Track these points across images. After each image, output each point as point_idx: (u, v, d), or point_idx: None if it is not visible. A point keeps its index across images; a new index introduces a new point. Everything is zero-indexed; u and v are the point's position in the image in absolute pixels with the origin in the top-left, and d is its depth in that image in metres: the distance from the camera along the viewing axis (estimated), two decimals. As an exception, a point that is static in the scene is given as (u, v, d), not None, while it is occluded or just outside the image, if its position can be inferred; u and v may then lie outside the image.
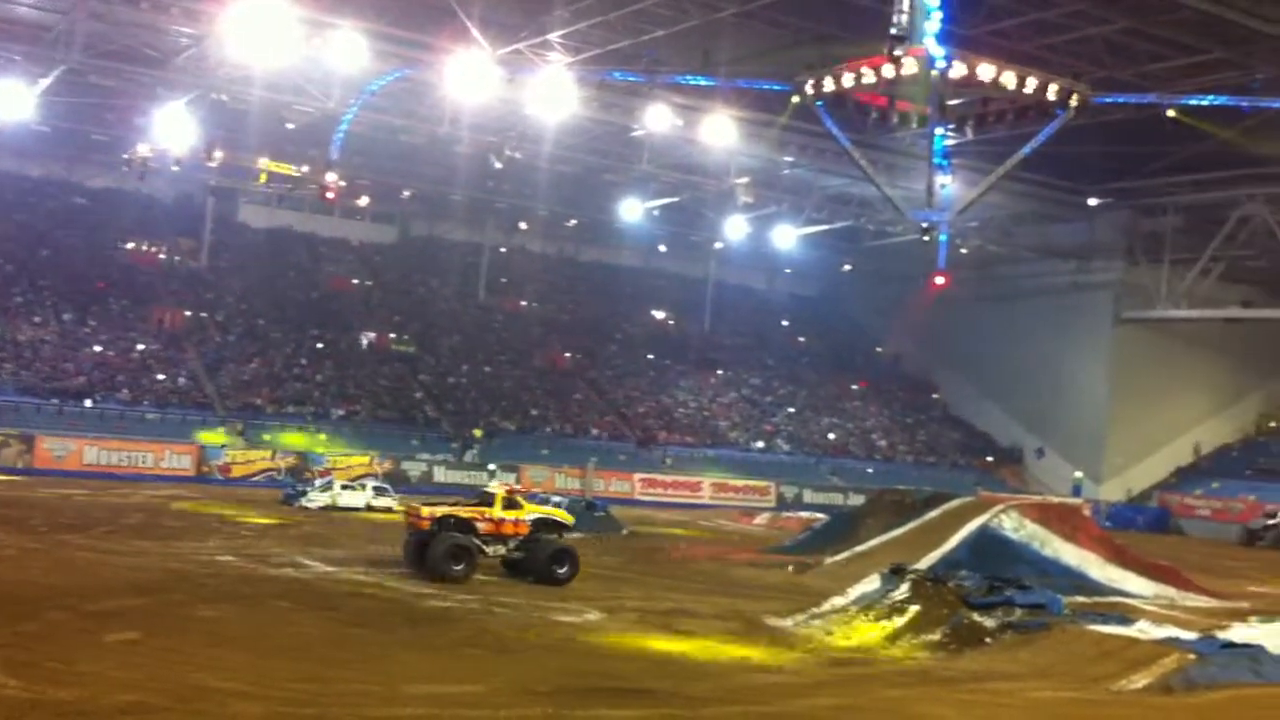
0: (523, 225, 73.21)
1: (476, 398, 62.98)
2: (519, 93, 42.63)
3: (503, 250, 76.07)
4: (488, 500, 29.21)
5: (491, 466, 56.77)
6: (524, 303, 74.19)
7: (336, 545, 33.62)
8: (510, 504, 29.10)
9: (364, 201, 66.50)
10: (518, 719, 16.40)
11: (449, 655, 20.26)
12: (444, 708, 16.58)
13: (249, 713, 15.40)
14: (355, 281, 70.20)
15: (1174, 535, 63.32)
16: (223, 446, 52.05)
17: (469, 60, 39.84)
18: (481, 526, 28.50)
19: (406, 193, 66.58)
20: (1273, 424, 72.95)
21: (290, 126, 51.78)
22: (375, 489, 45.33)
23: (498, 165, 53.23)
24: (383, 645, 20.66)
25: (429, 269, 73.63)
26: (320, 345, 62.56)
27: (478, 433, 58.78)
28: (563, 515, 30.66)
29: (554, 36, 41.86)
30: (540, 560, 28.58)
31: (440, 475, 55.39)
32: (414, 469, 54.92)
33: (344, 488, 44.78)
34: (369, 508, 43.76)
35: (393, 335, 65.92)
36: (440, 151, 56.99)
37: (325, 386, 59.57)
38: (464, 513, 28.63)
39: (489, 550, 28.59)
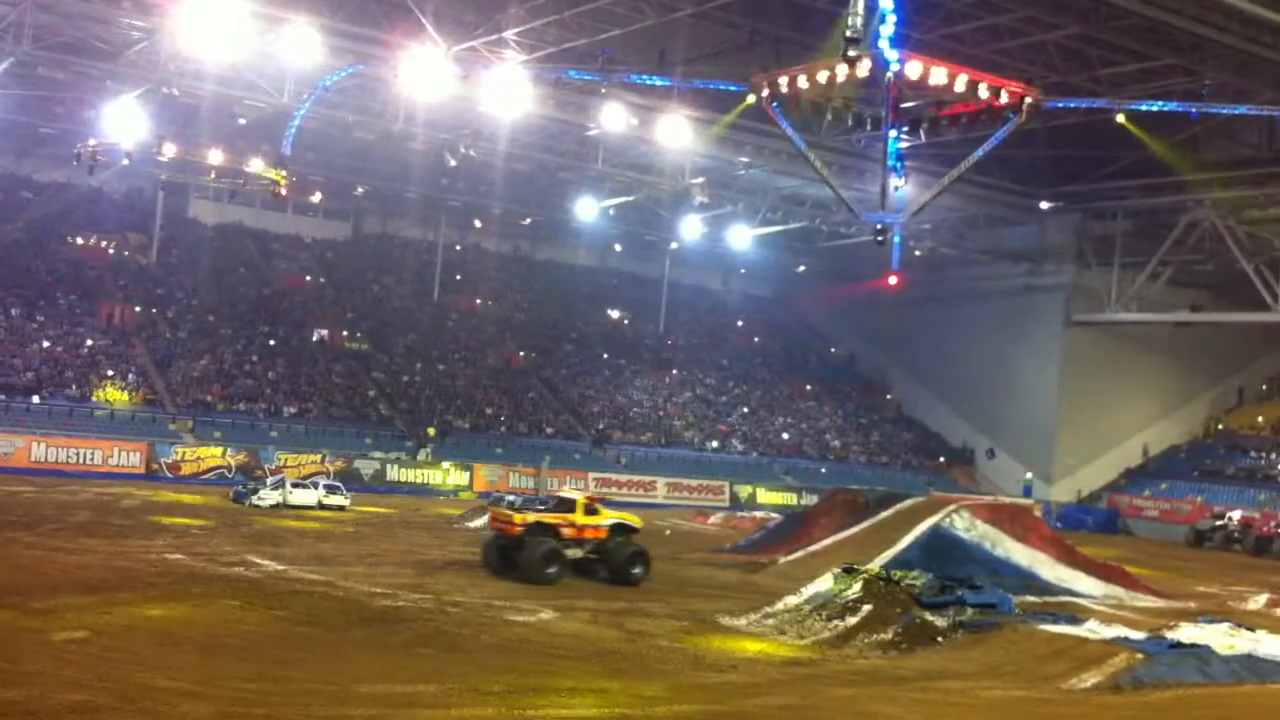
0: (477, 223, 72.93)
1: (430, 396, 62.68)
2: (474, 90, 42.41)
3: (457, 248, 75.75)
4: (568, 505, 30.91)
5: (445, 464, 56.62)
6: (478, 301, 73.88)
7: (287, 544, 33.38)
8: (590, 510, 30.92)
9: (317, 198, 66.07)
10: (470, 719, 16.35)
11: (401, 654, 20.17)
12: (396, 707, 16.50)
13: (197, 712, 15.25)
14: (307, 278, 69.65)
15: (1123, 536, 64.01)
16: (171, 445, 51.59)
17: (423, 57, 39.58)
18: (565, 531, 30.17)
19: (360, 189, 66.11)
20: (1220, 426, 73.87)
21: (242, 121, 51.25)
22: (327, 487, 45.09)
23: (452, 163, 53.02)
24: (333, 644, 20.54)
25: (382, 266, 73.20)
26: (272, 342, 62.05)
27: (431, 431, 58.52)
28: (634, 519, 32.08)
29: (509, 34, 41.70)
30: (619, 562, 30.51)
31: (394, 474, 55.11)
32: (367, 467, 54.57)
33: (295, 486, 44.48)
34: (321, 506, 43.51)
35: (345, 333, 65.50)
36: (394, 148, 56.67)
37: (277, 384, 59.09)
38: (551, 519, 30.18)
39: (568, 553, 30.07)
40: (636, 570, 30.49)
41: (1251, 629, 26.39)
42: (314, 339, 63.91)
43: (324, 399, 59.32)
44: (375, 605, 24.54)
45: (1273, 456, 68.15)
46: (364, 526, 39.69)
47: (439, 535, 38.96)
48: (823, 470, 67.48)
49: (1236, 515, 60.02)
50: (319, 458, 53.06)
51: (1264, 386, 76.34)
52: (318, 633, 21.42)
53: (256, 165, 49.79)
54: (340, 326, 65.68)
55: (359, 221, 74.54)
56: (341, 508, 43.76)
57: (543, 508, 31.11)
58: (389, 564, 31.01)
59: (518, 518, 29.96)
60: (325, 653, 19.81)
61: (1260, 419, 72.89)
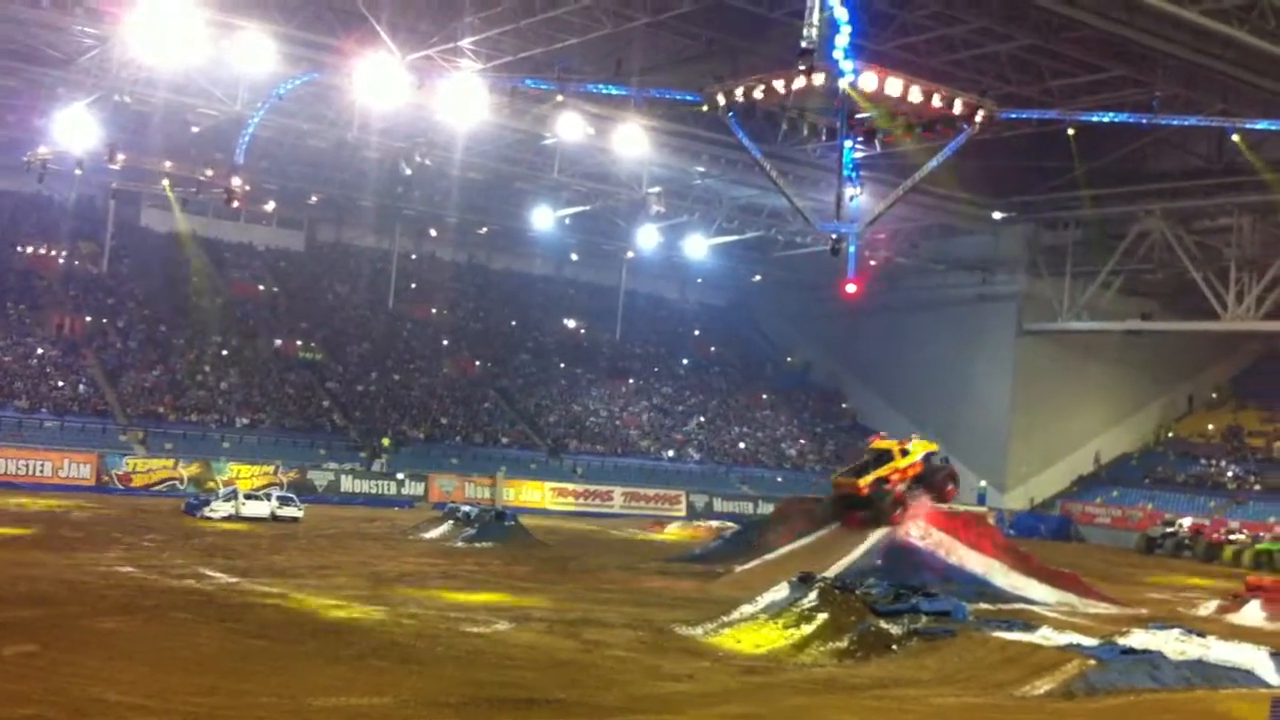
0: (433, 232, 72.70)
1: (385, 406, 62.36)
2: (429, 99, 42.28)
3: (412, 257, 75.46)
4: (886, 457, 36.71)
5: (400, 475, 56.33)
6: (434, 310, 73.58)
7: (239, 556, 33.08)
8: (903, 453, 36.84)
9: (270, 206, 65.60)
10: (425, 731, 16.25)
11: (354, 667, 20.00)
12: (350, 720, 16.39)
13: (148, 728, 15.08)
14: (261, 287, 69.17)
15: (1075, 543, 64.53)
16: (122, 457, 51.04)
17: (378, 65, 39.44)
18: (893, 478, 36.28)
19: (314, 198, 65.78)
20: (1170, 434, 74.66)
21: (195, 129, 50.92)
22: (280, 499, 44.69)
23: (407, 171, 52.86)
24: (286, 657, 20.34)
25: (337, 275, 72.79)
26: (224, 352, 61.52)
27: (386, 441, 58.20)
28: (933, 445, 38.84)
29: (465, 43, 41.64)
30: (936, 485, 37.52)
31: (347, 485, 54.78)
32: (320, 478, 54.21)
33: (248, 497, 44.09)
34: (274, 518, 43.11)
35: (299, 342, 65.06)
36: (349, 157, 56.45)
37: (229, 394, 58.61)
38: (884, 472, 36.21)
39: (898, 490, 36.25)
40: (950, 488, 38.00)
41: (1202, 635, 26.61)
42: (267, 349, 63.40)
43: (277, 409, 58.88)
44: (329, 617, 24.34)
45: (1222, 464, 68.96)
46: (318, 538, 39.37)
47: (393, 546, 38.73)
48: (779, 479, 67.68)
49: (1187, 522, 60.64)
50: (272, 469, 52.68)
51: (1214, 394, 77.24)
52: (271, 645, 21.21)
53: (210, 173, 49.48)
54: (294, 336, 65.24)
55: (313, 230, 74.08)
56: (295, 519, 43.39)
57: (868, 462, 36.84)
58: (343, 575, 30.79)
59: (862, 482, 35.97)
60: (278, 666, 19.60)
61: (1210, 427, 73.75)
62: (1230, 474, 67.75)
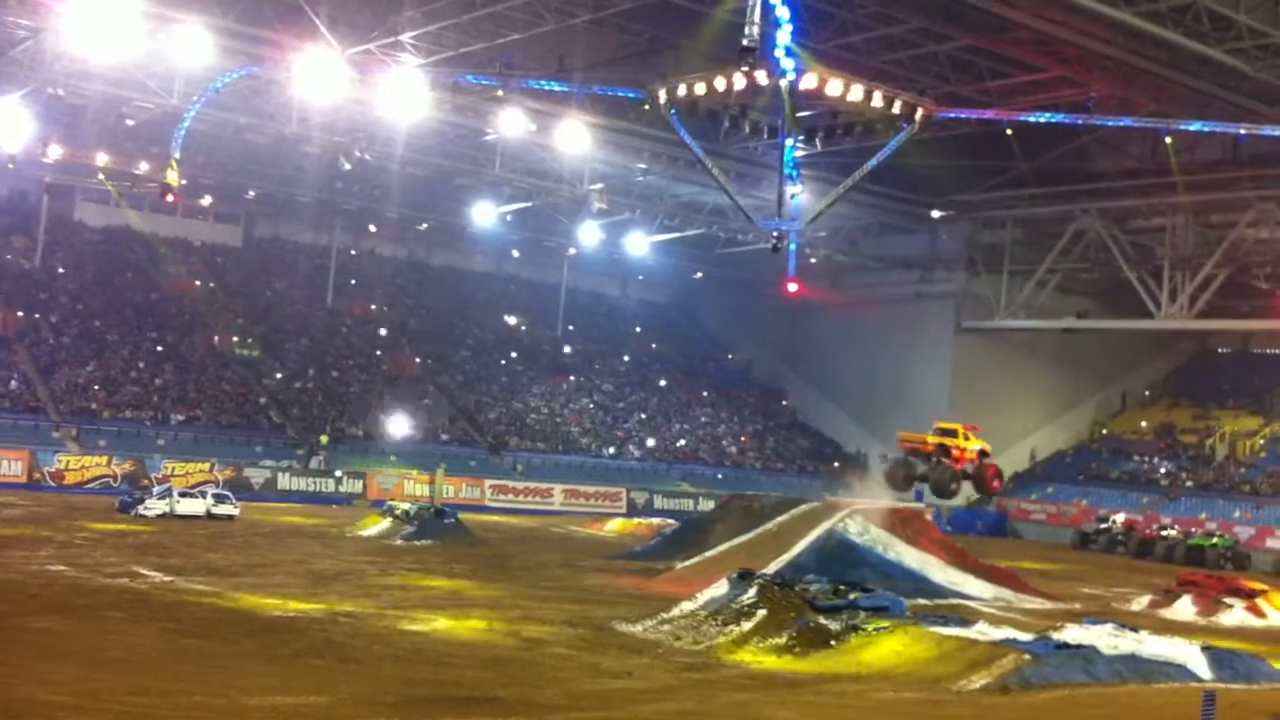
0: (372, 228, 72.15)
1: (323, 403, 61.84)
2: (369, 93, 41.98)
3: (352, 253, 74.86)
4: (952, 433, 39.00)
5: (338, 472, 55.91)
6: (373, 306, 73.03)
7: (174, 554, 32.68)
8: (966, 437, 39.05)
9: (207, 201, 64.88)
10: (362, 730, 16.13)
11: (291, 666, 19.82)
12: (286, 719, 16.21)
13: (80, 729, 14.86)
14: (197, 283, 68.27)
15: (1011, 539, 65.24)
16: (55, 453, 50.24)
17: (317, 59, 39.07)
18: (954, 453, 38.28)
19: (251, 193, 65.06)
20: (1105, 431, 75.69)
21: (131, 123, 50.20)
22: (216, 496, 44.16)
23: (347, 166, 52.45)
24: (222, 657, 20.12)
25: (274, 271, 72.08)
26: (159, 348, 60.73)
27: (324, 439, 57.72)
28: (986, 445, 40.37)
29: (405, 38, 41.38)
30: (982, 479, 40.30)
31: (285, 483, 54.24)
32: (257, 476, 53.65)
33: (183, 495, 43.53)
34: (209, 515, 42.57)
35: (236, 339, 64.32)
36: (287, 151, 55.89)
37: (164, 391, 57.86)
38: (949, 442, 38.32)
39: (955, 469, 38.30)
40: (995, 484, 41.60)
41: (1135, 630, 27.00)
42: (203, 345, 62.63)
43: (213, 406, 58.21)
44: (265, 616, 24.11)
45: (1155, 461, 70.01)
46: (254, 536, 38.98)
47: (331, 544, 38.42)
48: (719, 476, 67.86)
49: (1120, 518, 61.53)
50: (207, 466, 52.06)
51: (1147, 392, 78.44)
52: (205, 644, 20.97)
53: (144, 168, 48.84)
54: (230, 332, 64.49)
55: (250, 225, 73.28)
56: (231, 517, 42.90)
57: (942, 430, 39.50)
58: (279, 574, 30.51)
59: (930, 438, 38.55)
60: (213, 665, 19.39)
61: (1144, 424, 74.86)
62: (1163, 471, 68.81)
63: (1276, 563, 53.79)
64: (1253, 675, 24.92)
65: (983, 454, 39.76)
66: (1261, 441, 68.52)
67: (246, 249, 72.80)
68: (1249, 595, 36.51)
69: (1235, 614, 35.22)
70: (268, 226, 73.85)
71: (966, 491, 70.03)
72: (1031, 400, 72.82)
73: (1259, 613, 35.50)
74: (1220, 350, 78.28)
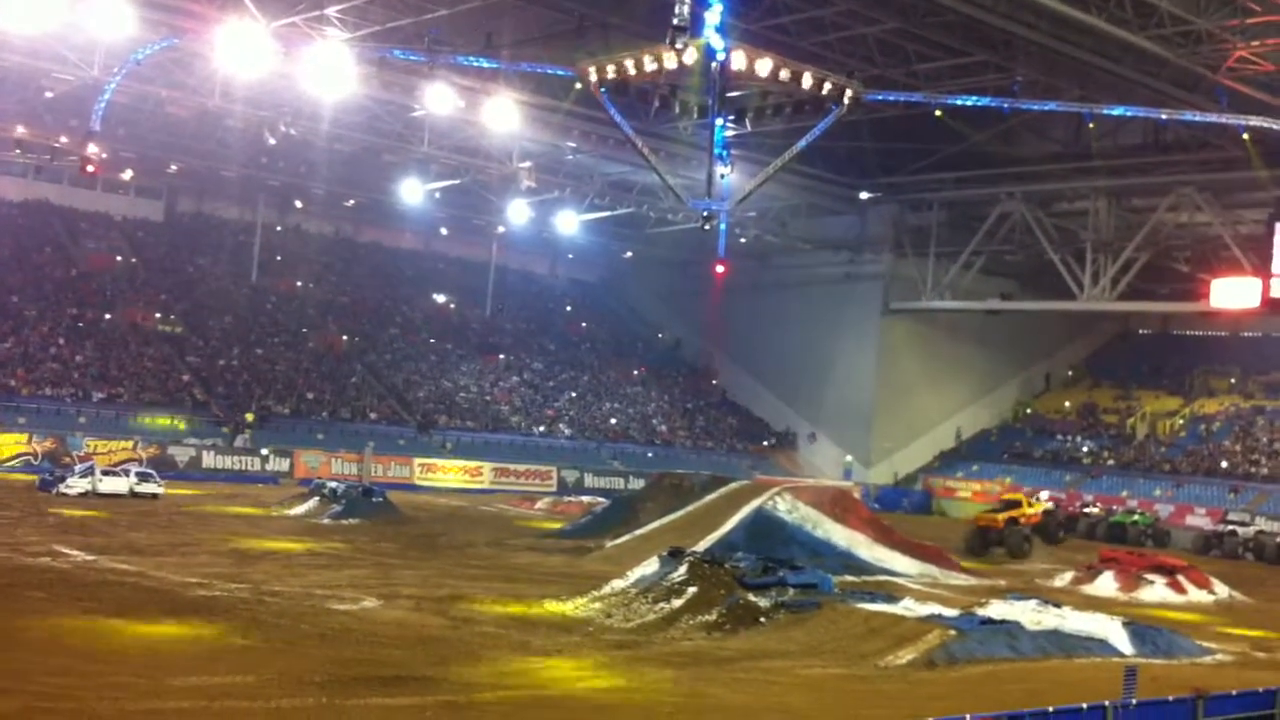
0: (298, 204, 71.22)
1: (248, 381, 61.07)
2: (295, 67, 41.30)
3: (277, 229, 73.85)
4: (1015, 504, 47.04)
5: (264, 451, 55.30)
6: (299, 284, 72.14)
7: (96, 533, 32.17)
8: (1028, 505, 46.91)
9: (128, 175, 63.70)
10: (289, 710, 16.00)
11: (216, 646, 19.60)
12: (212, 699, 16.07)
13: (3, 708, 14.60)
14: (118, 259, 67.01)
15: (937, 516, 66.02)
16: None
17: (241, 32, 38.37)
18: (1021, 520, 45.56)
19: (174, 167, 63.91)
20: (1028, 411, 76.79)
21: (49, 95, 49.07)
22: (139, 475, 43.46)
23: (271, 141, 51.63)
24: (145, 637, 19.84)
25: (198, 247, 70.95)
26: (80, 325, 59.62)
27: (249, 417, 57.03)
28: (1047, 505, 49.13)
29: (331, 11, 40.80)
30: (1049, 533, 47.69)
31: (209, 461, 53.57)
32: (182, 454, 52.90)
33: (105, 474, 42.81)
34: (132, 494, 41.94)
35: (158, 315, 63.28)
36: (211, 125, 54.93)
37: (85, 368, 56.82)
38: (1015, 514, 45.91)
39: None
40: (1060, 535, 48.91)
41: (1058, 605, 27.50)
42: (124, 321, 61.55)
43: (135, 384, 57.27)
44: (189, 595, 23.81)
45: (1077, 440, 71.19)
46: (178, 515, 38.44)
47: (257, 524, 38.01)
48: (649, 455, 67.98)
49: (1044, 496, 62.41)
50: (130, 444, 51.23)
51: (1069, 373, 79.71)
52: (129, 625, 20.67)
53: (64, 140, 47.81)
54: (152, 309, 63.44)
55: (172, 200, 72.08)
56: (154, 496, 42.29)
57: (1003, 505, 47.78)
58: (204, 553, 30.15)
59: (1000, 517, 45.62)
60: (137, 645, 19.13)
61: (1066, 404, 76.06)
62: (1085, 449, 69.99)
63: (1196, 539, 54.88)
64: (1172, 650, 25.51)
65: (1046, 512, 48.14)
66: (1181, 421, 69.92)
67: (168, 224, 71.63)
68: (1169, 572, 37.31)
69: (1156, 590, 35.98)
70: (190, 201, 72.69)
71: (894, 468, 71.78)
72: (957, 380, 73.70)
73: (1179, 589, 36.30)
74: (1141, 332, 79.75)
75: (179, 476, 49.36)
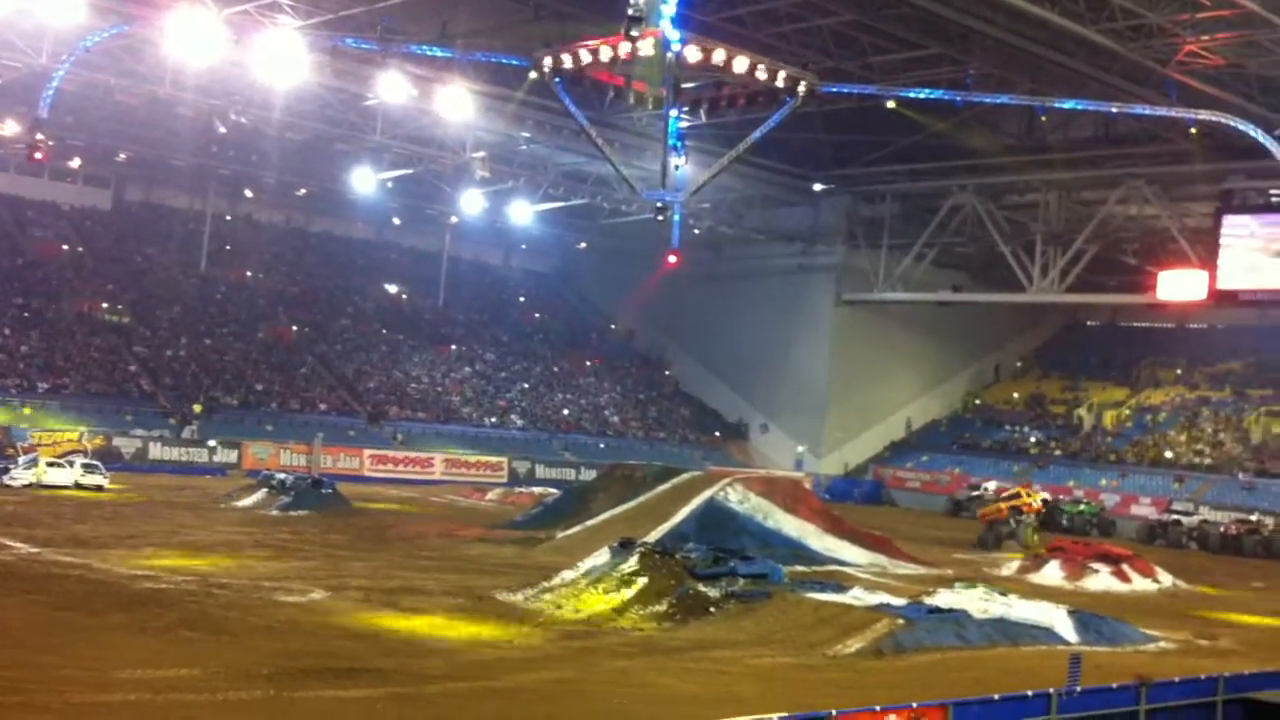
0: (249, 193, 70.59)
1: (196, 371, 60.54)
2: (246, 55, 40.92)
3: (227, 218, 73.19)
4: (1016, 495, 48.69)
5: (212, 442, 54.85)
6: (249, 273, 71.55)
7: (41, 525, 31.77)
8: (1027, 495, 48.66)
9: (76, 164, 62.94)
10: (237, 702, 15.89)
11: (163, 638, 19.45)
12: (158, 692, 15.93)
13: (-58, 703, 14.40)
14: (65, 248, 66.24)
15: (887, 506, 66.47)
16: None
17: (193, 19, 37.96)
18: (1024, 509, 46.95)
19: (122, 155, 63.15)
20: (978, 401, 77.41)
21: (-5, 81, 48.35)
22: (85, 466, 43.00)
23: (222, 130, 51.19)
24: (92, 629, 19.68)
25: (146, 236, 70.20)
26: (25, 314, 58.86)
27: (197, 408, 56.54)
28: (1044, 495, 50.59)
29: (284, -1, 40.45)
30: (1055, 518, 51.84)
31: (156, 452, 53.08)
32: (128, 445, 52.40)
33: (50, 465, 42.33)
34: (78, 486, 41.50)
35: (105, 305, 62.57)
36: (160, 113, 54.30)
37: (30, 358, 56.13)
38: (1019, 503, 47.46)
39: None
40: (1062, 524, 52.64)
41: (1004, 594, 27.73)
42: (71, 311, 60.80)
43: (81, 374, 56.65)
44: (136, 588, 23.58)
45: (1026, 430, 71.87)
46: (124, 507, 38.07)
47: (204, 516, 37.67)
48: (601, 446, 68.05)
49: (992, 486, 62.86)
50: (76, 435, 50.66)
51: (1018, 364, 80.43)
52: (75, 617, 20.46)
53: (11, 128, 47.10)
54: (99, 298, 62.72)
55: (121, 189, 71.26)
56: (100, 487, 41.86)
57: (1007, 495, 49.72)
58: (151, 545, 29.83)
59: (1004, 506, 47.70)
60: (83, 638, 18.95)
61: (1015, 395, 76.76)
62: (1033, 440, 70.66)
63: (1141, 529, 55.55)
64: (1117, 638, 25.81)
65: (1045, 502, 49.47)
66: (1127, 412, 70.73)
67: (117, 213, 70.82)
68: (1114, 560, 37.71)
69: (1101, 579, 36.36)
70: (139, 190, 71.88)
71: (845, 458, 72.19)
72: (908, 371, 74.22)
73: (1124, 577, 36.70)
74: (1089, 324, 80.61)
75: (125, 468, 48.89)
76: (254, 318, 67.67)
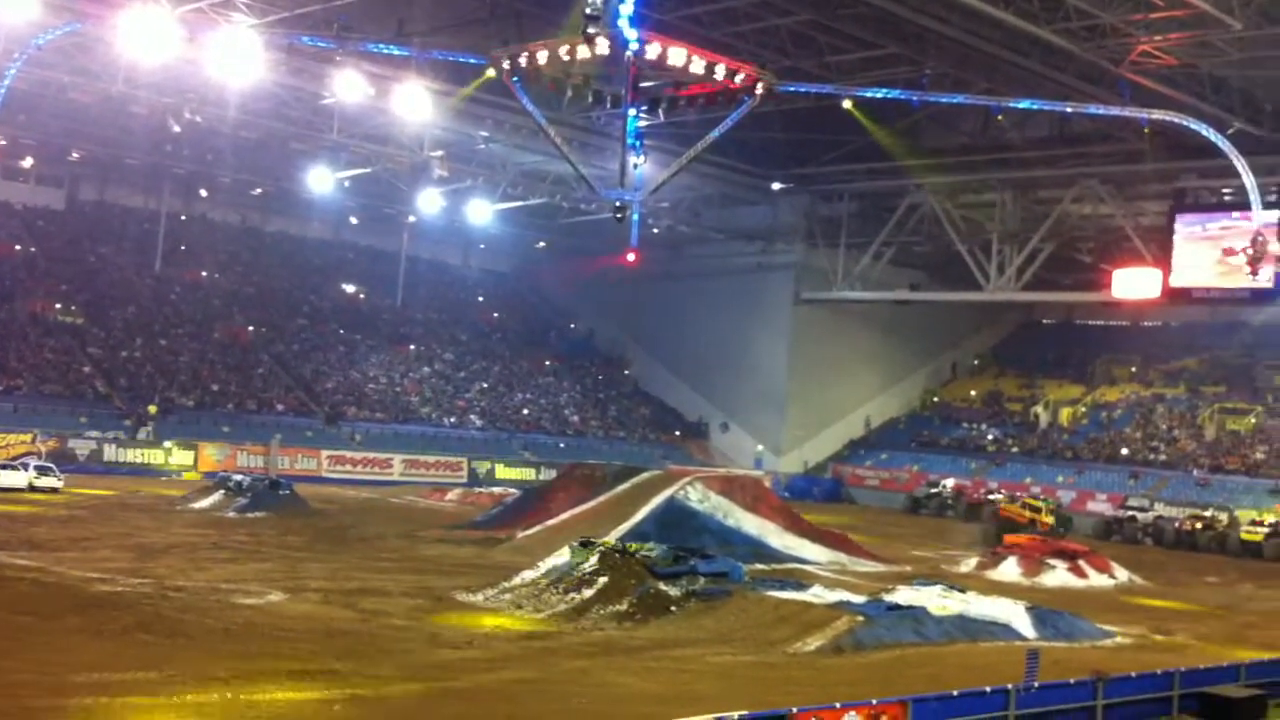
0: (204, 192, 69.97)
1: (151, 372, 59.94)
2: (201, 54, 40.55)
3: (182, 218, 72.51)
4: (1037, 509, 52.23)
5: (168, 443, 54.36)
6: (204, 273, 70.89)
7: (-6, 529, 31.39)
8: (1040, 510, 52.20)
9: (28, 163, 62.16)
10: (194, 705, 15.77)
11: (120, 642, 19.29)
12: (115, 695, 15.82)
13: (-108, 710, 14.21)
14: (17, 248, 65.40)
15: (846, 504, 66.72)
16: None
17: (146, 17, 37.59)
18: (1039, 523, 49.89)
19: (76, 155, 62.50)
20: (935, 399, 77.90)
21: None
22: (38, 468, 42.50)
23: (176, 129, 50.67)
24: (46, 633, 19.49)
25: (100, 236, 69.46)
26: (-23, 315, 58.13)
27: (152, 409, 55.98)
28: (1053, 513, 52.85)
29: (239, -4, 40.12)
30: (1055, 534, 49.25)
31: (111, 454, 52.50)
32: (83, 448, 51.78)
33: (3, 467, 41.83)
34: (31, 488, 41.01)
35: (59, 305, 61.85)
36: (114, 112, 53.70)
37: (-17, 359, 55.43)
38: (1035, 516, 51.27)
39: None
40: (1063, 531, 51.20)
41: (963, 590, 27.94)
42: (24, 312, 60.05)
43: (35, 375, 55.96)
44: (91, 591, 23.34)
45: (983, 427, 72.37)
46: (79, 509, 37.65)
47: (160, 518, 37.31)
48: (561, 445, 67.93)
49: (950, 483, 63.51)
50: (29, 437, 50.03)
51: (975, 362, 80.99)
52: (30, 621, 20.25)
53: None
54: (53, 299, 61.94)
55: (74, 188, 70.44)
56: (54, 490, 41.39)
57: (1026, 504, 53.42)
58: (106, 548, 29.54)
59: (1027, 513, 51.63)
60: (38, 641, 18.75)
61: (972, 392, 77.30)
62: (990, 437, 71.16)
63: (1097, 525, 56.06)
64: (1073, 633, 26.05)
65: (1058, 519, 52.51)
66: (1083, 409, 71.36)
67: (70, 212, 69.99)
68: (1071, 556, 38.06)
69: (1058, 574, 36.68)
70: (92, 189, 71.08)
71: (805, 457, 72.42)
72: (867, 369, 74.56)
73: (1080, 573, 37.06)
74: (1045, 321, 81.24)
75: (80, 470, 48.35)
76: (209, 318, 67.07)
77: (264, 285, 72.54)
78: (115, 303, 64.54)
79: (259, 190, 69.02)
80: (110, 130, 57.43)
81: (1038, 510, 52.26)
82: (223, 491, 41.27)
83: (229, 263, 73.00)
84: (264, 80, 45.03)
